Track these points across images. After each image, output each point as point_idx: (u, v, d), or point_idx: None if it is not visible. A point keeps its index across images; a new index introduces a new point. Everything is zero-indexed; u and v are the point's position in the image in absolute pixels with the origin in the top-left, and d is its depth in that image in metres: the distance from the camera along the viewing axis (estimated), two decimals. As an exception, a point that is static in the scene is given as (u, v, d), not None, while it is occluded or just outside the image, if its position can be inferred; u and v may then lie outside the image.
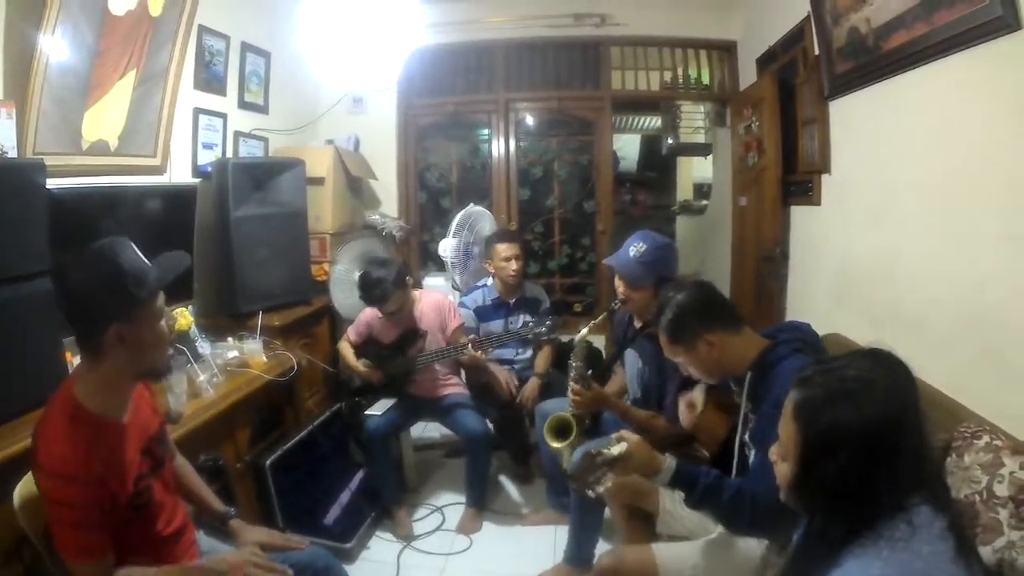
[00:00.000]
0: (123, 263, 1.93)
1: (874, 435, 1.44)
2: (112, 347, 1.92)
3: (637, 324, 3.49)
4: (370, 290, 3.99)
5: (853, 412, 1.45)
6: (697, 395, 2.90)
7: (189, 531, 2.37)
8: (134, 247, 2.03)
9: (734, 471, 2.51)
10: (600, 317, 3.52)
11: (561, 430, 3.47)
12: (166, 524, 2.21)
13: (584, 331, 3.46)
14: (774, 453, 1.67)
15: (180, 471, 2.52)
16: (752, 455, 2.35)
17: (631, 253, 3.26)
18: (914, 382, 1.54)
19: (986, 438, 2.30)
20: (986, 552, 2.03)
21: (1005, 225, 2.62)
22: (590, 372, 3.45)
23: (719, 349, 2.38)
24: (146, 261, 2.03)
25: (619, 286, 3.35)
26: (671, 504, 2.69)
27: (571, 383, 3.40)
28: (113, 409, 2.04)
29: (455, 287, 5.26)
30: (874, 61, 3.45)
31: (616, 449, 2.27)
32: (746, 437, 2.42)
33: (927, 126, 3.13)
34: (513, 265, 4.52)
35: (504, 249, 4.55)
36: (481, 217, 5.27)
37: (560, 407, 3.52)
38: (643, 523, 2.83)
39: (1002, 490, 2.11)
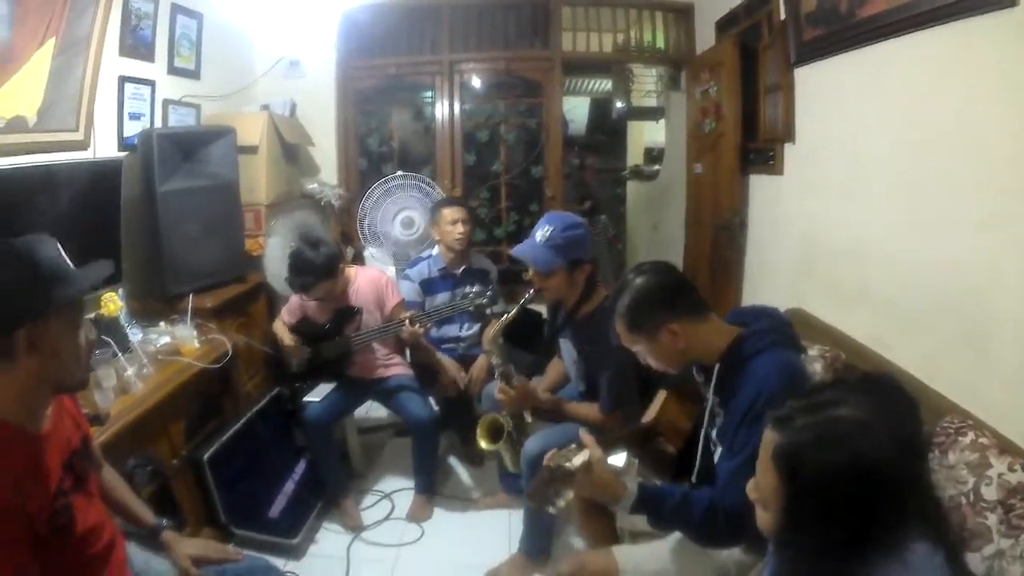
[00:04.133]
0: (40, 260, 1.71)
1: (871, 483, 1.27)
2: (24, 352, 1.68)
3: (565, 312, 3.30)
4: (294, 277, 3.79)
5: (846, 459, 1.27)
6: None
7: (119, 548, 2.16)
8: (59, 247, 1.82)
9: (696, 468, 2.34)
10: (514, 310, 3.33)
11: (496, 431, 3.38)
12: (92, 543, 1.99)
13: (497, 327, 3.34)
14: (752, 490, 1.48)
15: (107, 484, 2.31)
16: (719, 454, 2.19)
17: (538, 238, 3.06)
18: (919, 417, 1.39)
19: (971, 435, 2.18)
20: (974, 560, 1.92)
21: (983, 212, 2.49)
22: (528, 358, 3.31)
23: (684, 339, 2.17)
24: (68, 263, 1.83)
25: (532, 274, 3.15)
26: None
27: (496, 382, 3.33)
28: (29, 419, 1.80)
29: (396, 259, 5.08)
30: (847, 29, 3.27)
31: (578, 459, 2.04)
32: (713, 433, 2.26)
33: (903, 101, 2.97)
34: (459, 228, 4.31)
35: (450, 213, 4.34)
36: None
37: None
38: (604, 518, 2.67)
39: (990, 493, 1.98)
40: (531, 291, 3.22)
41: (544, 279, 3.09)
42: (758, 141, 4.52)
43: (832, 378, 1.33)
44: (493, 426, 3.41)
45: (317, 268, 3.71)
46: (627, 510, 2.10)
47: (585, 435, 2.17)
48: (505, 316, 3.33)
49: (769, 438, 1.39)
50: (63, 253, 1.84)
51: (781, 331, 2.22)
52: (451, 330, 4.54)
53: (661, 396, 2.83)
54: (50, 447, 1.85)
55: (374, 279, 4.12)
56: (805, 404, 1.37)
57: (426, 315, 3.97)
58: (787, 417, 1.36)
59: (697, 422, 2.40)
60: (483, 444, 3.43)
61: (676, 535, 2.40)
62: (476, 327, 4.53)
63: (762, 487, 1.42)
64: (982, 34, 2.44)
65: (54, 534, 1.82)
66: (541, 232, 3.05)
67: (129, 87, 4.12)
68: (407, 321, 3.79)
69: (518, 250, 3.15)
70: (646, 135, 9.16)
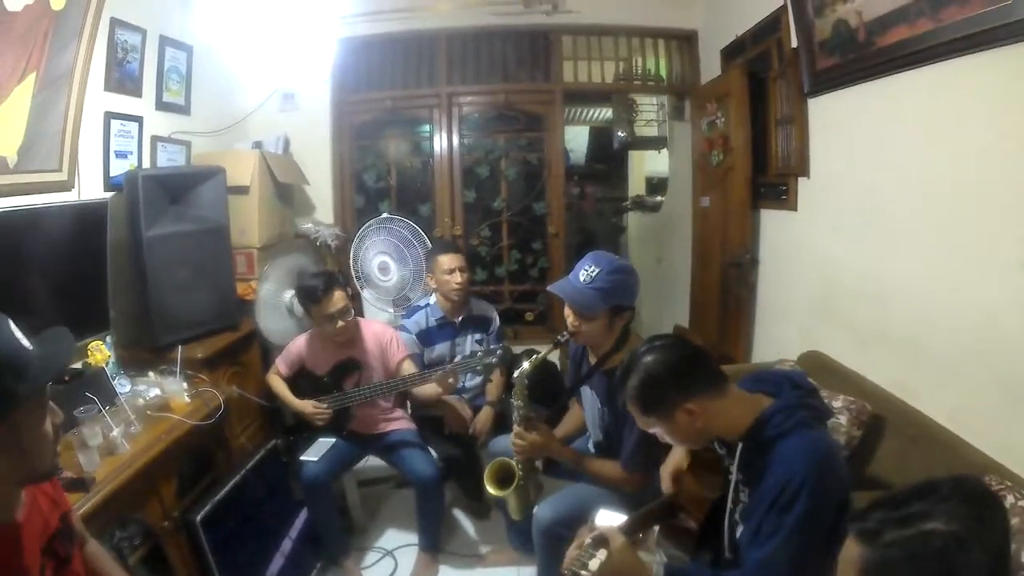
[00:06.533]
0: None
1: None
2: None
3: (592, 359, 3.11)
4: (312, 286, 3.67)
5: None
6: (680, 458, 2.58)
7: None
8: (12, 326, 1.58)
9: (725, 544, 2.17)
10: (545, 351, 3.11)
11: (506, 477, 3.19)
12: None
13: (525, 366, 3.08)
14: None
15: (92, 561, 2.12)
16: (740, 532, 2.04)
17: (581, 278, 2.85)
18: (1008, 526, 1.26)
19: (1011, 498, 2.07)
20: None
21: (1017, 250, 2.37)
22: (544, 412, 3.14)
23: (702, 418, 2.00)
24: (26, 345, 1.58)
25: (568, 315, 2.95)
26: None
27: (514, 425, 3.10)
28: (1, 510, 1.64)
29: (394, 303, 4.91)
30: (865, 57, 3.16)
31: (594, 564, 1.94)
32: (737, 515, 2.09)
33: (928, 133, 2.85)
34: (457, 278, 4.12)
35: (447, 261, 4.14)
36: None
37: None
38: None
39: (1033, 561, 1.85)
40: (564, 333, 3.00)
41: (582, 322, 2.90)
42: (769, 175, 4.40)
43: (919, 483, 1.17)
44: (504, 471, 3.24)
45: (330, 275, 3.65)
46: None
47: (608, 529, 2.03)
48: (535, 356, 3.09)
49: (854, 552, 1.25)
50: (15, 331, 1.58)
51: (808, 406, 2.04)
52: None
53: (678, 450, 2.66)
54: (27, 535, 1.68)
55: (377, 333, 3.97)
56: (893, 516, 1.22)
57: (431, 373, 3.71)
58: (874, 531, 1.22)
59: (721, 493, 2.23)
60: (491, 489, 3.24)
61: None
62: (480, 378, 4.32)
63: None
64: (1013, 63, 2.33)
65: None
66: (585, 272, 2.85)
67: (115, 124, 3.98)
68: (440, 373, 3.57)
69: (559, 288, 2.93)
70: (647, 165, 9.08)
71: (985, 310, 2.53)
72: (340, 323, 3.71)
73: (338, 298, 3.66)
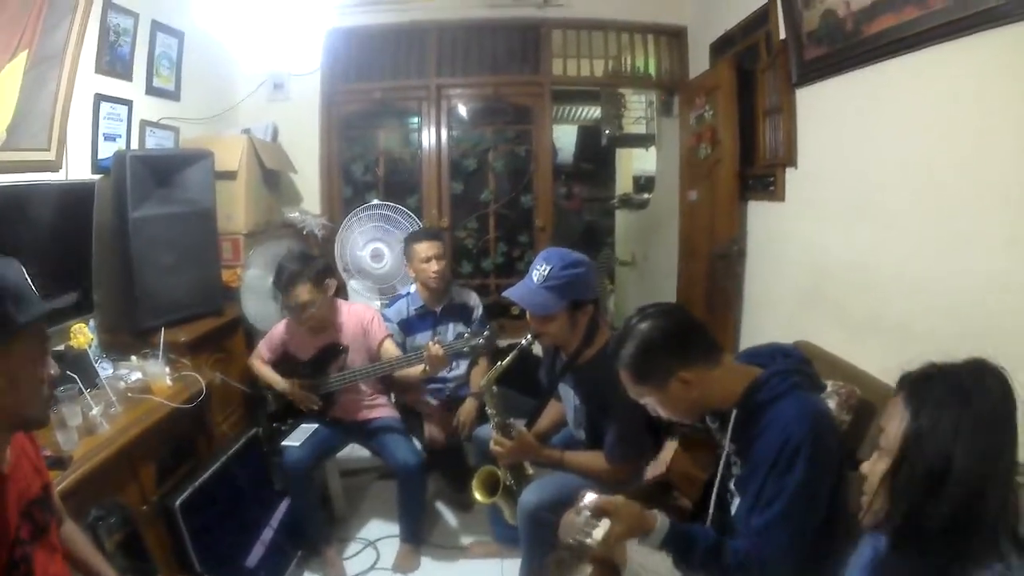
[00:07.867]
0: (2, 280, 1.53)
1: (984, 441, 1.36)
2: None
3: (564, 356, 3.06)
4: (279, 275, 3.64)
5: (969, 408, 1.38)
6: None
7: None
8: (22, 270, 1.65)
9: (709, 519, 2.15)
10: (508, 358, 3.04)
11: (493, 484, 3.18)
12: None
13: (490, 375, 3.10)
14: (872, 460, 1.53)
15: (69, 542, 2.09)
16: (736, 505, 2.02)
17: (535, 278, 2.81)
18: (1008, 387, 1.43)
19: None
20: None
21: (1009, 231, 2.35)
22: (529, 402, 3.10)
23: (697, 387, 1.99)
24: (32, 288, 1.62)
25: (529, 318, 2.91)
26: (641, 556, 2.25)
27: (492, 432, 3.09)
28: None
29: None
30: (852, 46, 3.16)
31: (598, 533, 1.89)
32: (731, 484, 2.07)
33: (916, 119, 2.85)
34: (434, 266, 4.06)
35: (423, 249, 4.08)
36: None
37: None
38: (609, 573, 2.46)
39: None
40: (527, 336, 2.95)
41: (542, 323, 2.85)
42: (757, 167, 4.40)
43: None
44: (489, 478, 3.22)
45: (305, 266, 3.62)
46: (656, 544, 1.94)
47: (603, 497, 1.99)
48: (498, 364, 3.07)
49: (902, 388, 1.54)
50: (24, 273, 1.65)
51: (801, 371, 2.05)
52: None
53: (670, 447, 2.64)
54: (8, 490, 1.67)
55: (360, 315, 3.92)
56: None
57: (415, 356, 3.67)
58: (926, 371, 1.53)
59: (713, 471, 2.21)
60: (479, 497, 3.22)
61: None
62: (462, 367, 4.30)
63: (887, 433, 1.51)
64: (1000, 47, 2.33)
65: None
66: (538, 271, 2.81)
67: (105, 106, 3.96)
68: (428, 345, 3.45)
69: (511, 293, 2.90)
70: (635, 164, 9.03)
71: (975, 289, 2.53)
72: (302, 316, 3.70)
73: (300, 293, 3.61)
